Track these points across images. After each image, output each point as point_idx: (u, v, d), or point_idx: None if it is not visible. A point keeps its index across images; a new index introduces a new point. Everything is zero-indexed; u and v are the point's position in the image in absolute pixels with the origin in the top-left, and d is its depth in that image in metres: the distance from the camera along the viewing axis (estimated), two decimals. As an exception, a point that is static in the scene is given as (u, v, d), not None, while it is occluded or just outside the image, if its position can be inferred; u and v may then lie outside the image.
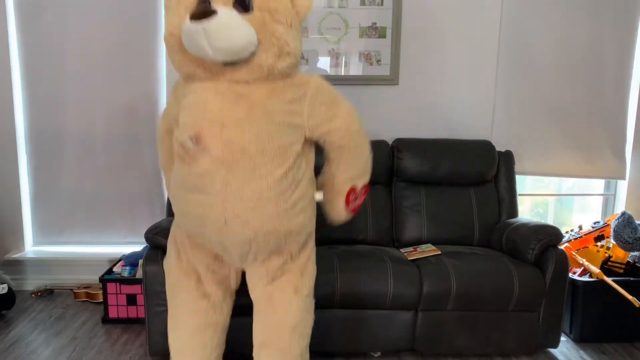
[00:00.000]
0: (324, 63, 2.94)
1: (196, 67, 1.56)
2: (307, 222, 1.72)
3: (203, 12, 1.42)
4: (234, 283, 1.87)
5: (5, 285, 2.70)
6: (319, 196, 1.80)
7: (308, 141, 1.69)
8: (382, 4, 2.88)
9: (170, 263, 1.86)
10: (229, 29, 1.45)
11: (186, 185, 1.63)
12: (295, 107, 1.61)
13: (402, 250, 2.59)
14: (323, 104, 1.65)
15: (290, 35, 1.56)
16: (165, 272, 1.89)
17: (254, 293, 1.82)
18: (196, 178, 1.58)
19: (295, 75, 1.66)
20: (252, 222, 1.58)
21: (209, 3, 1.52)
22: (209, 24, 1.41)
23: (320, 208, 1.86)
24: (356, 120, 1.73)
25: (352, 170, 1.79)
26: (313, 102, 1.63)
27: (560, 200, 3.43)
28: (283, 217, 1.61)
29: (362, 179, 1.82)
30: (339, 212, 1.85)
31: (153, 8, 2.95)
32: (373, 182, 2.73)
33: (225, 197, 1.56)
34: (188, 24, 1.44)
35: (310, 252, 1.84)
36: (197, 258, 1.79)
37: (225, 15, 1.45)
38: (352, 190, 1.80)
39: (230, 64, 1.54)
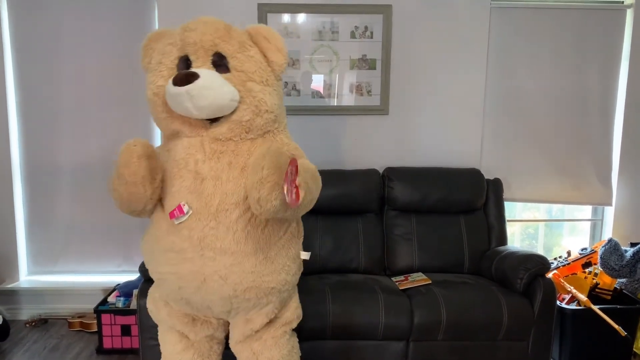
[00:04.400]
0: (317, 94, 3.00)
1: (182, 124, 1.62)
2: (290, 279, 1.72)
3: (185, 77, 1.48)
4: (220, 334, 1.87)
5: (0, 317, 2.71)
6: (305, 255, 1.74)
7: None
8: (372, 37, 2.95)
9: (156, 315, 1.88)
10: (211, 89, 1.51)
11: (161, 245, 1.62)
12: None
13: (393, 279, 2.62)
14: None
15: (266, 92, 1.62)
16: (153, 318, 1.91)
17: (237, 346, 1.84)
18: (173, 235, 1.59)
19: (280, 132, 1.73)
20: (231, 278, 1.58)
21: (190, 64, 1.59)
22: (192, 87, 1.47)
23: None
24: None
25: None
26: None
27: (549, 224, 3.49)
28: (263, 273, 1.62)
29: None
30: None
31: (148, 41, 3.01)
32: (364, 211, 2.83)
33: (202, 254, 1.57)
34: (172, 88, 1.50)
35: (293, 305, 1.86)
36: (175, 324, 1.80)
37: (207, 77, 1.51)
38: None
39: (214, 120, 1.61)
